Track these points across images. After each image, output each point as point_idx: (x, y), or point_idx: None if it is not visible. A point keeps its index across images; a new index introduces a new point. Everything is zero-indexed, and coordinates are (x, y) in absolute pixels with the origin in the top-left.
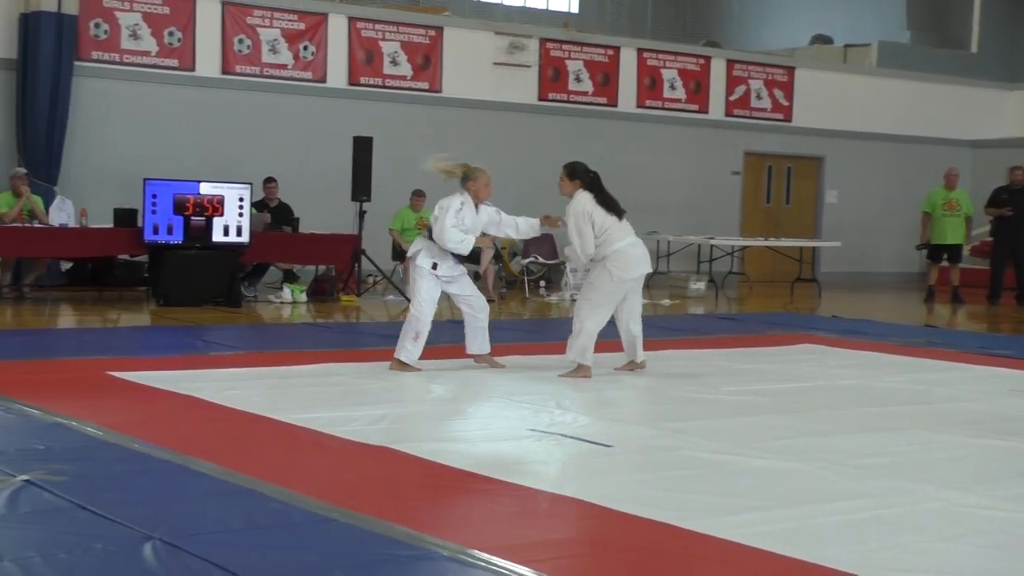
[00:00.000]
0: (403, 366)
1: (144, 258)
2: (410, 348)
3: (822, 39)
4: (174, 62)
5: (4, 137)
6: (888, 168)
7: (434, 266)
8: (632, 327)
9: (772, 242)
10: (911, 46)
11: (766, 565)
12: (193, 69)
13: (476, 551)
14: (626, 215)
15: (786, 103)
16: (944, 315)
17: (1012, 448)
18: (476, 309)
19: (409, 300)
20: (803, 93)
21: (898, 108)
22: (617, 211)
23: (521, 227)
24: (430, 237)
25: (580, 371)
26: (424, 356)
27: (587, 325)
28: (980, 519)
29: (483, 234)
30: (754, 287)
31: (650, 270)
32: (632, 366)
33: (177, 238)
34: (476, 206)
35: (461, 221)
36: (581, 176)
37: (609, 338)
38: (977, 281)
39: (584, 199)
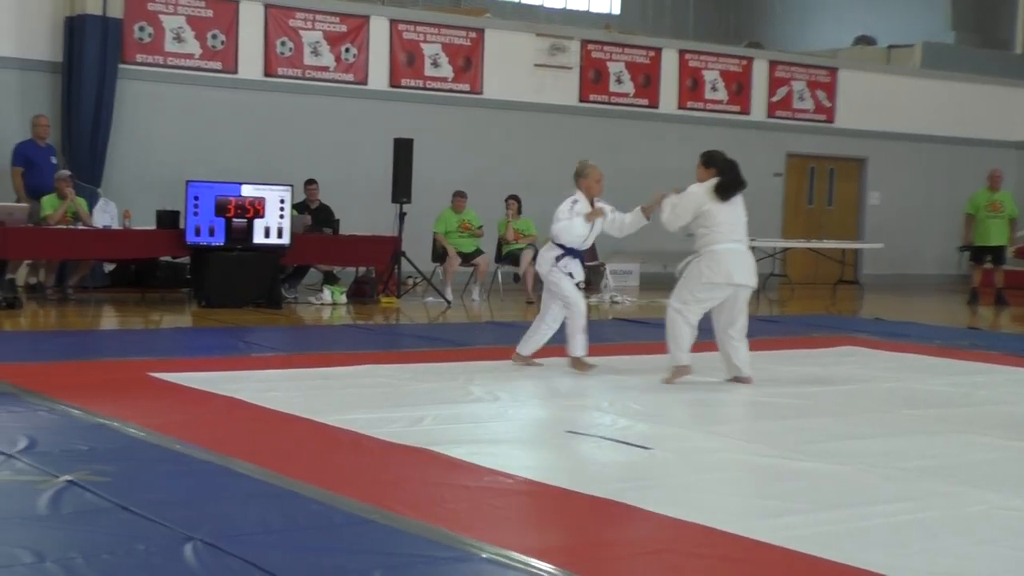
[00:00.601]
0: (581, 363)
1: (186, 260)
2: (581, 340)
3: (865, 40)
4: (217, 64)
5: (50, 140)
6: (931, 169)
7: (570, 275)
8: (726, 336)
9: (814, 244)
10: (955, 47)
11: (806, 568)
12: (236, 72)
13: (514, 553)
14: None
15: (829, 104)
16: (987, 317)
17: None
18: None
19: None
20: (846, 94)
21: (942, 109)
22: (727, 195)
23: (628, 223)
24: (553, 243)
25: (678, 372)
26: (462, 357)
27: (674, 315)
28: (1021, 522)
29: (596, 209)
30: (796, 289)
31: (748, 283)
32: (738, 380)
33: (219, 240)
34: (591, 202)
35: (574, 214)
36: (718, 164)
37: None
38: (1022, 283)
39: (707, 188)
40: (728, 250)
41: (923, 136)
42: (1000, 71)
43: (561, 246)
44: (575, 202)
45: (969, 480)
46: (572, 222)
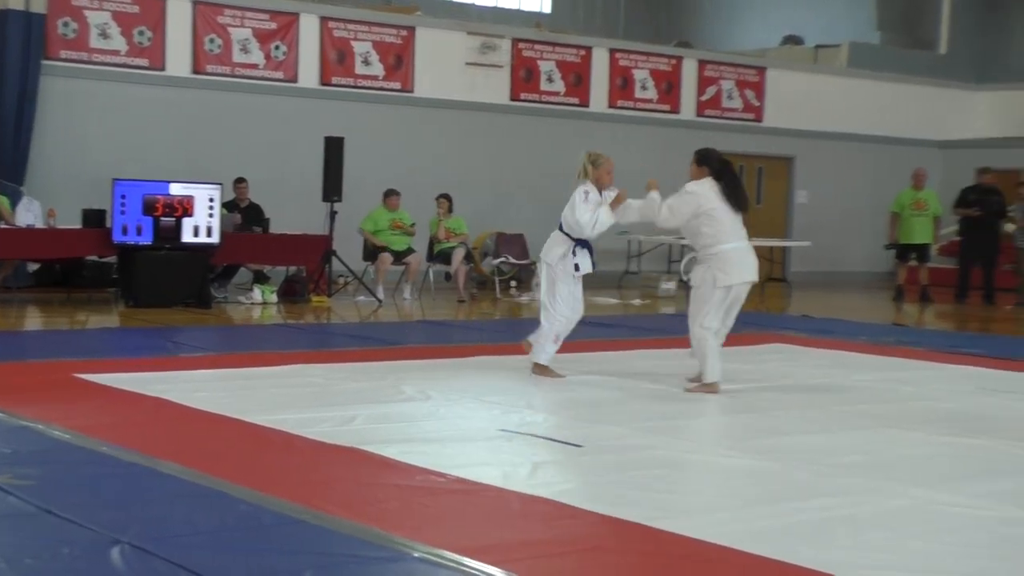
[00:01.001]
0: (545, 370)
1: (113, 259)
2: (549, 350)
3: (793, 40)
4: (144, 61)
5: None
6: (858, 168)
7: (576, 268)
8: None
9: None
10: (881, 47)
11: (738, 564)
12: (163, 69)
13: (447, 552)
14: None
15: (757, 103)
16: (913, 314)
17: (980, 446)
18: (575, 312)
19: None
20: (774, 93)
21: (868, 108)
22: (741, 206)
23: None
24: (563, 233)
25: (709, 389)
26: (394, 357)
27: (700, 334)
28: (949, 516)
29: (618, 195)
30: None
31: (756, 279)
32: (698, 386)
33: (146, 239)
34: (600, 193)
35: (592, 205)
36: (710, 164)
37: (574, 339)
38: (945, 280)
39: (705, 188)
40: (735, 249)
41: (849, 135)
42: (925, 71)
43: (570, 236)
44: (587, 192)
45: (896, 475)
46: (599, 214)
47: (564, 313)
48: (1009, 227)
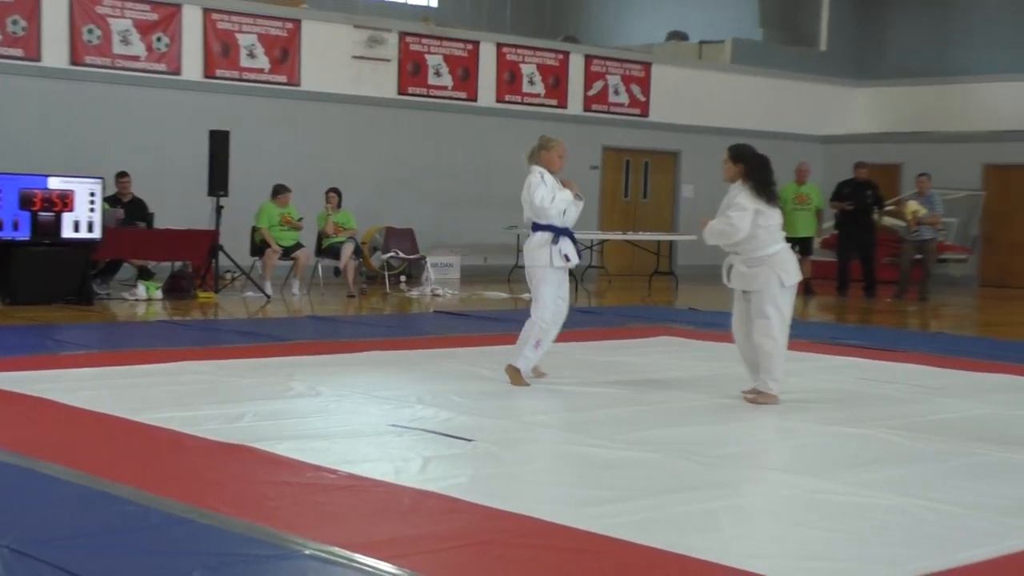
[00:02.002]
0: (517, 376)
1: None
2: (528, 355)
3: (678, 36)
4: (19, 52)
5: None
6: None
7: (566, 258)
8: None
9: (630, 236)
10: (764, 44)
11: (625, 554)
12: (39, 59)
13: (337, 548)
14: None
15: (643, 98)
16: (796, 306)
17: (862, 435)
18: (560, 311)
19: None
20: (659, 89)
21: (751, 104)
22: (777, 204)
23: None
24: (537, 228)
25: (770, 398)
26: (282, 353)
27: (779, 343)
28: (833, 504)
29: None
30: (613, 280)
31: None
32: (757, 396)
33: (24, 234)
34: (553, 176)
35: (551, 188)
36: (748, 160)
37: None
38: (828, 273)
39: (748, 194)
40: (784, 250)
41: (733, 130)
42: (806, 67)
43: (544, 227)
44: (542, 174)
45: (780, 465)
46: (558, 195)
47: (546, 319)
48: (888, 220)
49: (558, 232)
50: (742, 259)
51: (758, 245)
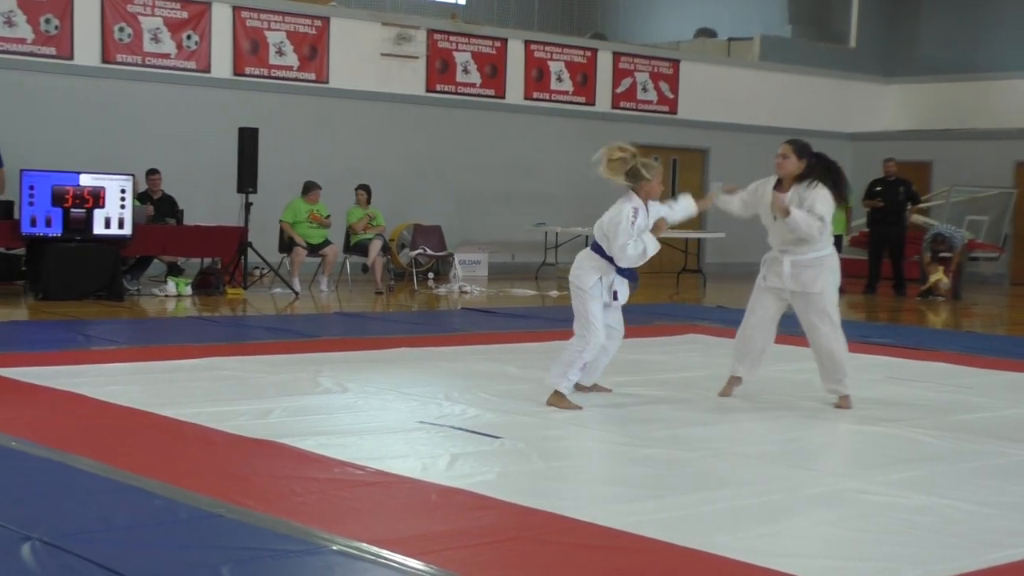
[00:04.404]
0: (561, 400)
1: (22, 251)
2: (573, 378)
3: (706, 32)
4: (51, 50)
5: None
6: (771, 160)
7: (614, 296)
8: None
9: None
10: (792, 40)
11: (654, 552)
12: (72, 58)
13: (366, 544)
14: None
15: (671, 96)
16: None
17: (891, 434)
18: (613, 340)
19: (296, 292)
20: (688, 86)
21: (780, 101)
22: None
23: (690, 210)
24: (599, 253)
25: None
26: (310, 349)
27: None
28: (860, 503)
29: (656, 224)
30: (641, 278)
31: None
32: (843, 402)
33: (56, 231)
34: (647, 206)
35: (637, 231)
36: (810, 156)
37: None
38: (857, 271)
39: (828, 199)
40: (835, 251)
41: (762, 127)
42: (835, 64)
43: (606, 255)
44: (636, 211)
45: (809, 464)
46: (640, 243)
47: (600, 341)
48: (918, 218)
49: (619, 271)
50: (794, 258)
51: (820, 246)
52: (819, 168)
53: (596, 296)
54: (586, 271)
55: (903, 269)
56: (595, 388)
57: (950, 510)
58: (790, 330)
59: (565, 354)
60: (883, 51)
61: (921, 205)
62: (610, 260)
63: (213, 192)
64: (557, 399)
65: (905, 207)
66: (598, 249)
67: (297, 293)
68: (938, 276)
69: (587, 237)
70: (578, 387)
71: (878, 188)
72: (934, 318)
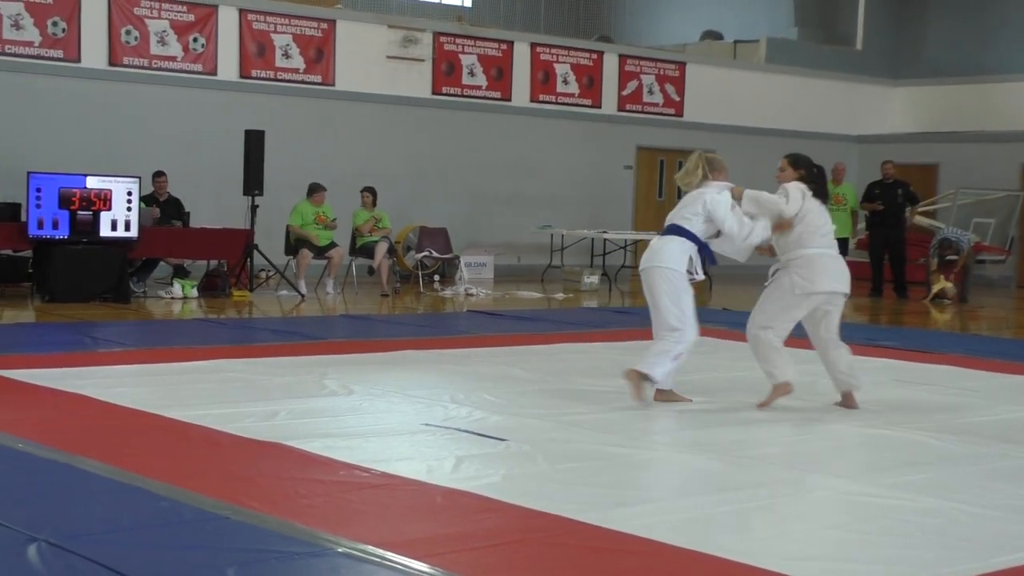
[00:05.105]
0: (670, 395)
1: (28, 253)
2: (667, 367)
3: (712, 35)
4: (59, 53)
5: None
6: (776, 163)
7: (691, 274)
8: (831, 352)
9: None
10: (799, 43)
11: (659, 555)
12: (79, 60)
13: (371, 546)
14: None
15: (677, 98)
16: None
17: (898, 437)
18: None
19: (302, 295)
20: (694, 89)
21: (786, 104)
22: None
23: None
24: (680, 234)
25: (778, 391)
26: (316, 351)
27: (763, 336)
28: (866, 507)
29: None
30: None
31: (845, 290)
32: (849, 402)
33: (63, 233)
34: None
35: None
36: (806, 167)
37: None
38: (863, 274)
39: (802, 187)
40: (821, 255)
41: (768, 130)
42: (842, 67)
43: (690, 235)
44: (727, 190)
45: (814, 467)
46: (755, 227)
47: (695, 335)
48: (920, 220)
49: (701, 244)
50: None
51: (789, 247)
52: (813, 176)
53: (686, 284)
54: (671, 253)
55: (904, 272)
56: (671, 396)
57: (956, 513)
58: (792, 332)
59: (657, 351)
60: (890, 53)
61: (927, 208)
62: (693, 237)
63: (219, 194)
64: (663, 395)
65: (904, 209)
66: (677, 230)
67: (303, 295)
68: (941, 285)
69: (593, 239)
70: (660, 394)
71: (876, 191)
72: (940, 321)
